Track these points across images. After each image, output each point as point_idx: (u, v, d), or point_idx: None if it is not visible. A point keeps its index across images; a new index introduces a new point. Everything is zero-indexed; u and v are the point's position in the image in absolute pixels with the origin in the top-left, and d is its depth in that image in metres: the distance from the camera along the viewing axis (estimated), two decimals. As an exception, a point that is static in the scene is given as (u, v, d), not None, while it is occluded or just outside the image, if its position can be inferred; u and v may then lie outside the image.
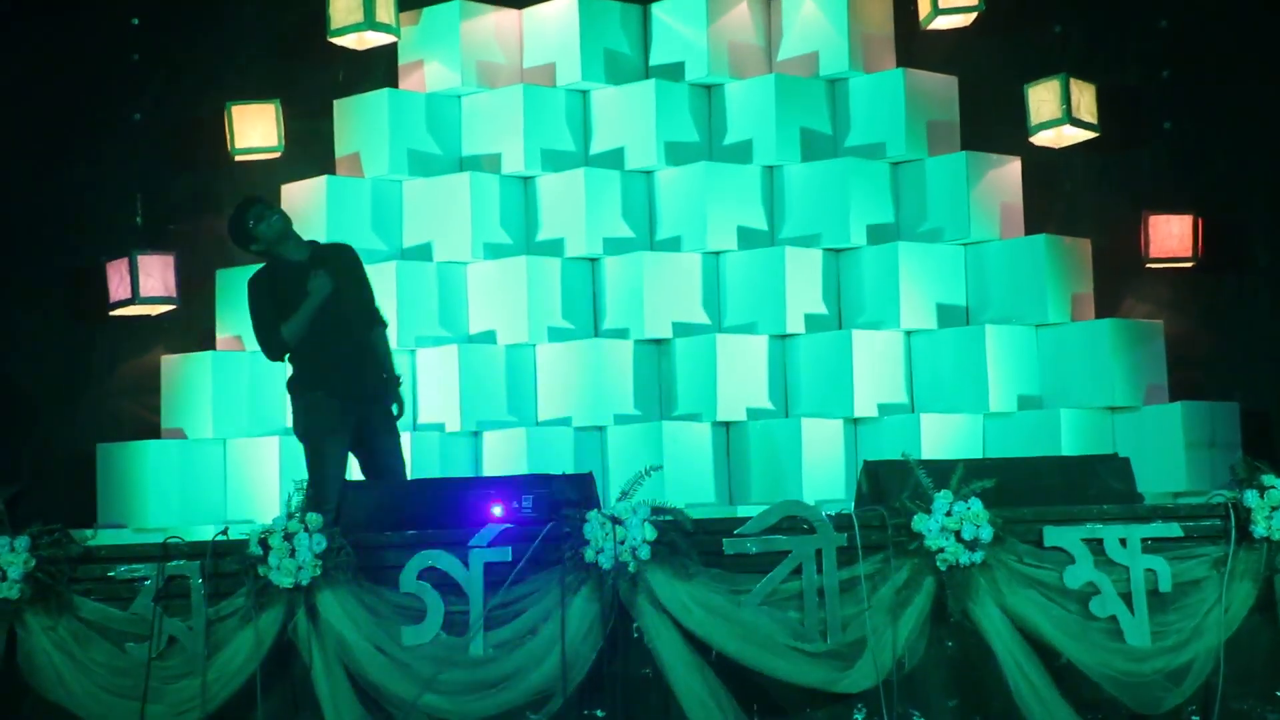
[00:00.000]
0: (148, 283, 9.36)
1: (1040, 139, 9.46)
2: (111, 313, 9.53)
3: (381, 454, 7.76)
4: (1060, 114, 9.29)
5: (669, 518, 6.18)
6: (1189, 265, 9.46)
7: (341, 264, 7.84)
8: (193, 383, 9.38)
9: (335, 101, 9.89)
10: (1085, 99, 9.41)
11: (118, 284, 9.42)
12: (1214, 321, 9.53)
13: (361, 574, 6.25)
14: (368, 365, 7.78)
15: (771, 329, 9.31)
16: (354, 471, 7.88)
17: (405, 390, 9.33)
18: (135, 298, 9.37)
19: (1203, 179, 9.58)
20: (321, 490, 7.04)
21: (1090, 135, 9.46)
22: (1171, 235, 9.47)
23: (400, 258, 9.61)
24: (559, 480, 6.65)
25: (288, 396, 7.88)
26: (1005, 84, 9.65)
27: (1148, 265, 9.49)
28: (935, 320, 9.37)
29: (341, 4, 9.27)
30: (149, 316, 9.56)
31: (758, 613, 6.08)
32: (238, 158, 9.60)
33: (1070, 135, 9.45)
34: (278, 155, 9.62)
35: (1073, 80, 9.31)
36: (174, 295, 9.48)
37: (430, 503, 6.57)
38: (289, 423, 8.09)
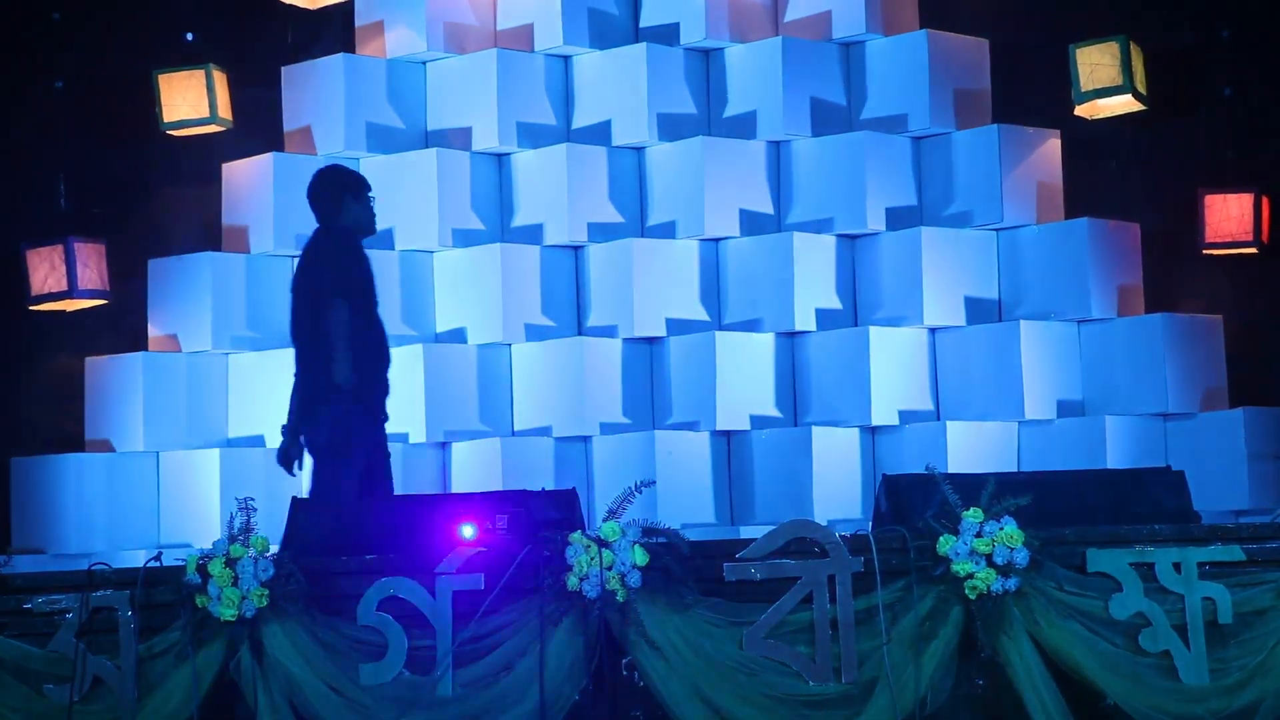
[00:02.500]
0: (85, 274, 9.36)
1: (1082, 109, 9.46)
2: (34, 307, 9.52)
3: (380, 477, 7.81)
4: (1120, 80, 9.29)
5: (663, 540, 6.19)
6: (1252, 251, 9.48)
7: None
8: (121, 388, 9.38)
9: (284, 68, 9.89)
10: (1138, 65, 9.43)
11: (46, 275, 9.41)
12: (1280, 316, 9.59)
13: (314, 604, 6.25)
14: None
15: (778, 326, 9.33)
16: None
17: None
18: (72, 291, 9.37)
19: (1269, 153, 9.61)
20: None
21: (1138, 108, 9.48)
22: (1230, 217, 9.48)
23: (357, 245, 9.62)
24: (538, 497, 6.66)
25: (291, 400, 7.77)
26: (1043, 47, 9.66)
27: (1204, 251, 9.50)
28: (963, 316, 9.39)
29: (290, -44, 9.30)
30: (64, 312, 9.55)
31: (762, 650, 6.09)
32: (170, 131, 9.60)
33: (1107, 107, 9.45)
34: (216, 129, 9.61)
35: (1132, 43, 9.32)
36: (107, 289, 9.48)
37: (392, 524, 6.58)
38: (273, 428, 7.89)
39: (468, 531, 6.32)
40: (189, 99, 9.53)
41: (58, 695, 6.30)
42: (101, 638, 6.30)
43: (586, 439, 9.21)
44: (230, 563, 6.20)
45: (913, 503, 6.33)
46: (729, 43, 9.79)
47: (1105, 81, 9.35)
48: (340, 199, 7.83)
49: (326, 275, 7.66)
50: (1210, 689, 6.11)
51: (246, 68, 9.82)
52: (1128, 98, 9.37)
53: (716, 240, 9.52)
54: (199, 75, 9.52)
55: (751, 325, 9.35)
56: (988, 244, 9.51)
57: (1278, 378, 9.49)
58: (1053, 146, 9.67)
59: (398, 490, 8.97)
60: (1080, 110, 9.49)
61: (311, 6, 9.75)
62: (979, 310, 9.42)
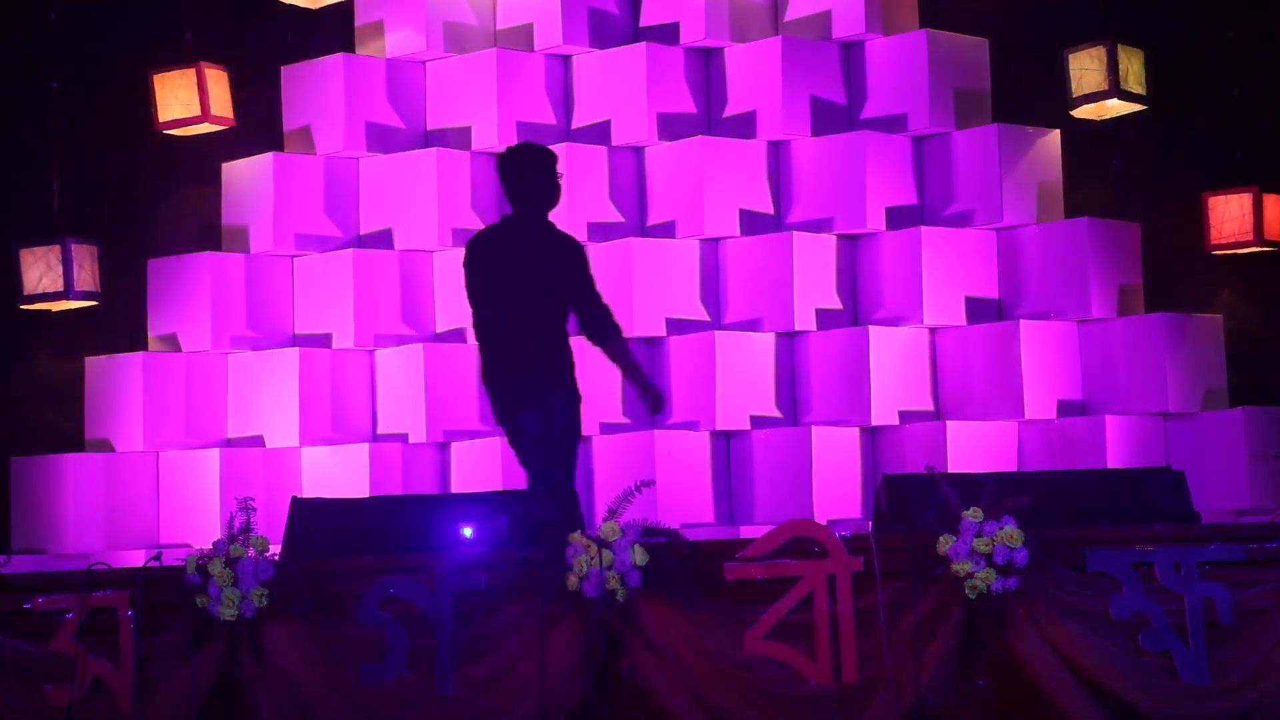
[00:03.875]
0: (79, 275, 9.36)
1: (1081, 112, 9.49)
2: (25, 307, 9.52)
3: None
4: (1105, 84, 9.32)
5: (663, 540, 6.20)
6: (1262, 250, 9.47)
7: None
8: (121, 388, 9.38)
9: (284, 68, 9.90)
10: (1133, 67, 9.44)
11: (40, 275, 9.41)
12: (1281, 315, 9.61)
13: (314, 604, 6.26)
14: None
15: (778, 325, 9.34)
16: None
17: (364, 394, 9.37)
18: (68, 292, 9.37)
19: (1275, 154, 9.62)
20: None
21: (1136, 108, 9.49)
22: (1232, 217, 9.50)
23: (357, 245, 9.62)
24: (538, 498, 6.67)
25: (498, 387, 7.27)
26: (1043, 47, 9.68)
27: (1213, 253, 9.52)
28: (964, 315, 9.40)
29: (290, -45, 9.31)
30: (55, 313, 9.56)
31: (762, 650, 6.10)
32: (167, 131, 9.60)
33: (1113, 108, 9.48)
34: (211, 128, 9.60)
35: (1120, 46, 9.33)
36: (99, 290, 9.49)
37: (392, 523, 6.59)
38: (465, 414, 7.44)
39: (469, 533, 6.33)
40: (183, 98, 9.52)
41: (58, 695, 6.31)
42: (101, 638, 6.31)
43: (586, 439, 9.22)
44: (230, 563, 6.21)
45: (913, 503, 6.34)
46: (729, 42, 9.79)
47: (1092, 87, 9.37)
48: (553, 177, 7.28)
49: (565, 255, 7.18)
50: (1210, 689, 6.11)
51: (246, 67, 9.82)
52: (1119, 100, 9.38)
53: (716, 240, 9.53)
54: (192, 74, 9.52)
55: (751, 325, 9.36)
56: (988, 244, 9.52)
57: (1278, 378, 9.50)
58: (1053, 146, 9.67)
59: (398, 490, 9.01)
60: (1082, 112, 9.51)
61: (311, 6, 9.76)
62: (979, 310, 9.43)
